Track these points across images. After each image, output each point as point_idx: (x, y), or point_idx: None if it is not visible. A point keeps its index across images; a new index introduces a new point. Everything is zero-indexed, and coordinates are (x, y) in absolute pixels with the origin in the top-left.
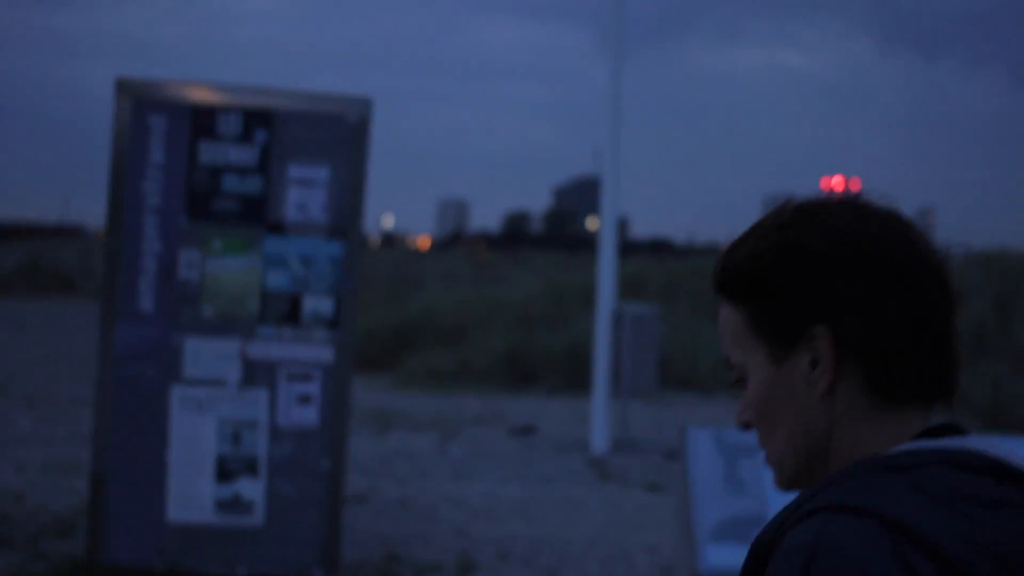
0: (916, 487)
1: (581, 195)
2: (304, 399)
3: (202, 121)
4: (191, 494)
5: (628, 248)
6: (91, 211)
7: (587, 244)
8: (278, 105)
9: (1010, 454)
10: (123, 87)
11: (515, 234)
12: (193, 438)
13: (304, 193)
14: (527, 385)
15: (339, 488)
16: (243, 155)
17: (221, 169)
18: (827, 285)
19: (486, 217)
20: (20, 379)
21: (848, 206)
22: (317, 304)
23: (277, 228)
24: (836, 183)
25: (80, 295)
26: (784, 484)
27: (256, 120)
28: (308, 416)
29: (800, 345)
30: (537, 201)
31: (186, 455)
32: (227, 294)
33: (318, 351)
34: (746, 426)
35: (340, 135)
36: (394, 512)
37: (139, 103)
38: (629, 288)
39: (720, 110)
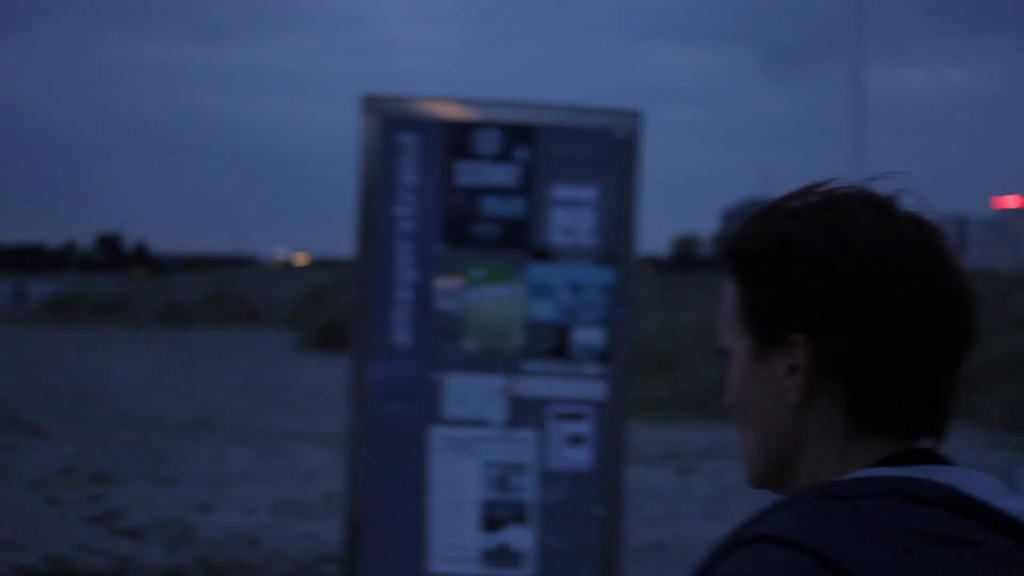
0: (858, 519)
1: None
2: (575, 439)
3: (457, 139)
4: (454, 544)
5: None
6: (262, 241)
7: None
8: (539, 120)
9: (973, 486)
10: (370, 105)
11: (684, 257)
12: (455, 483)
13: (571, 215)
14: None
15: (616, 536)
16: (503, 175)
17: (480, 191)
18: (818, 294)
19: (653, 241)
20: (226, 412)
21: (873, 208)
22: (587, 336)
23: (542, 254)
24: (1010, 202)
25: (265, 324)
26: (751, 483)
27: (516, 137)
28: (580, 458)
29: (780, 349)
30: (705, 224)
31: (448, 501)
32: (489, 326)
33: (590, 387)
34: (730, 407)
35: (607, 151)
36: (653, 557)
37: (388, 121)
38: None
39: (888, 129)
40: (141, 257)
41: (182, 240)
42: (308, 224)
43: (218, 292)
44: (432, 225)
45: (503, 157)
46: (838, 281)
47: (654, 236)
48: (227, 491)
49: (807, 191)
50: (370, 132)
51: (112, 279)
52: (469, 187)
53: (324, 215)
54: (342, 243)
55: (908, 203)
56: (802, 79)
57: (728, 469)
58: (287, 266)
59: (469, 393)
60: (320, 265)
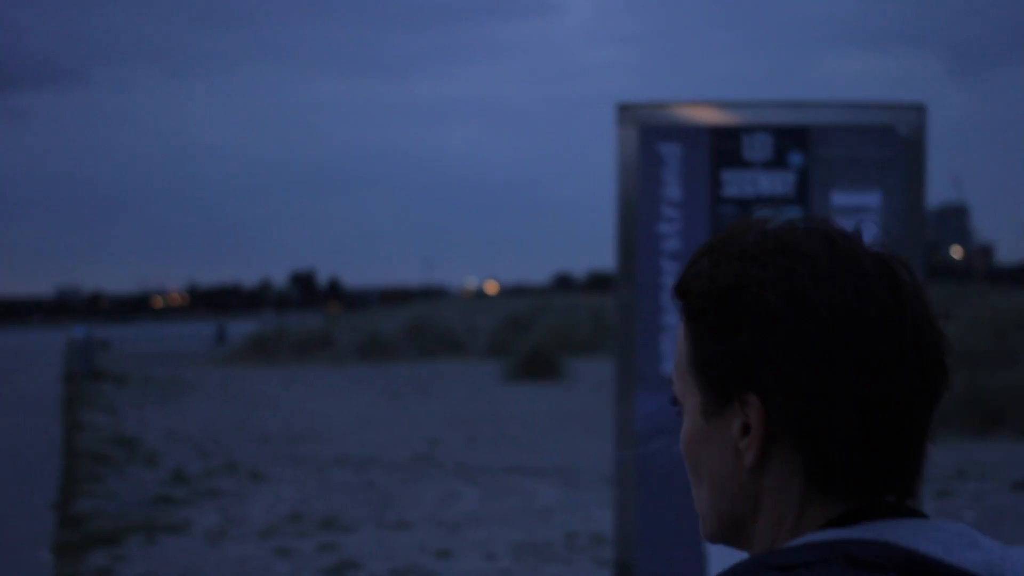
0: None
1: (942, 223)
2: None
3: (724, 146)
4: None
5: (995, 275)
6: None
7: (953, 272)
8: (813, 120)
9: (932, 542)
10: (627, 113)
11: None
12: None
13: (853, 224)
14: (987, 428)
15: None
16: (776, 183)
17: (750, 202)
18: (770, 350)
19: None
20: (444, 448)
21: (831, 250)
22: None
23: None
24: None
25: (467, 354)
26: (707, 537)
27: (789, 140)
28: None
29: (733, 406)
30: None
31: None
32: None
33: None
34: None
35: (890, 152)
36: None
37: (646, 131)
38: None
39: None
40: (335, 293)
41: (373, 274)
42: (496, 252)
43: (417, 324)
44: (700, 242)
45: (775, 163)
46: (790, 336)
47: None
48: (462, 534)
49: (765, 225)
50: (627, 143)
51: (308, 316)
52: (739, 198)
53: (512, 242)
54: (530, 270)
55: (870, 238)
56: (988, 81)
57: (990, 491)
58: (479, 295)
59: None
60: (510, 293)
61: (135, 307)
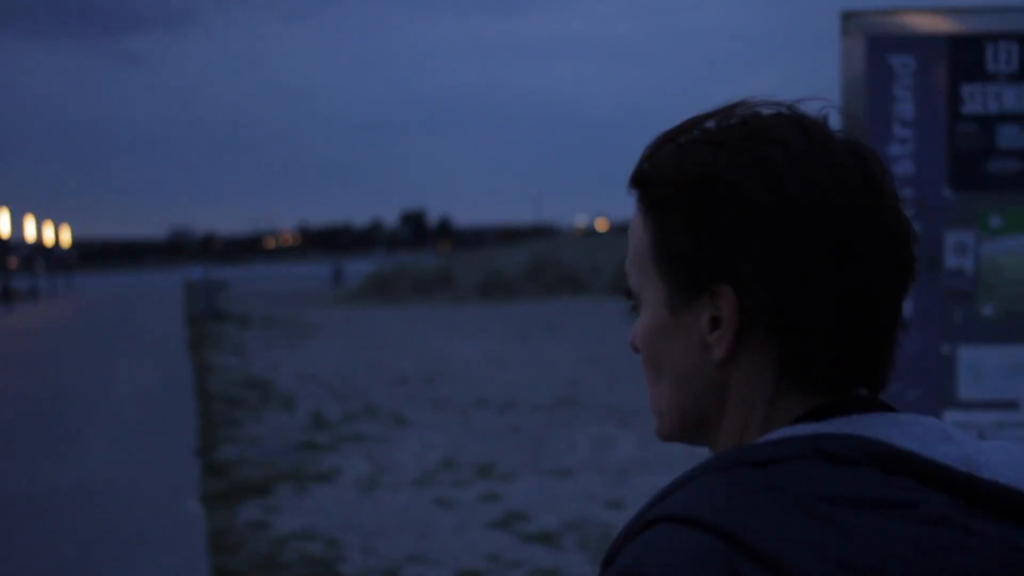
0: (771, 489)
1: None
2: None
3: (963, 57)
4: None
5: None
6: (561, 210)
7: None
8: None
9: (905, 435)
10: (853, 22)
11: None
12: None
13: (817, 110)
14: None
15: None
16: None
17: (994, 120)
18: (747, 240)
19: None
20: (585, 389)
21: (806, 136)
22: None
23: None
24: None
25: (589, 292)
26: (662, 437)
27: None
28: None
29: (702, 299)
30: None
31: None
32: (1012, 286)
33: None
34: (635, 350)
35: None
36: None
37: (874, 42)
38: None
39: None
40: (445, 232)
41: (483, 213)
42: (606, 189)
43: (538, 262)
44: (936, 165)
45: (1022, 75)
46: (769, 225)
47: None
48: (629, 482)
49: (728, 111)
50: (853, 56)
51: (419, 255)
52: (980, 116)
53: (621, 180)
54: None
55: (836, 125)
56: None
57: None
58: (589, 232)
59: (990, 369)
60: (621, 230)
61: (247, 248)
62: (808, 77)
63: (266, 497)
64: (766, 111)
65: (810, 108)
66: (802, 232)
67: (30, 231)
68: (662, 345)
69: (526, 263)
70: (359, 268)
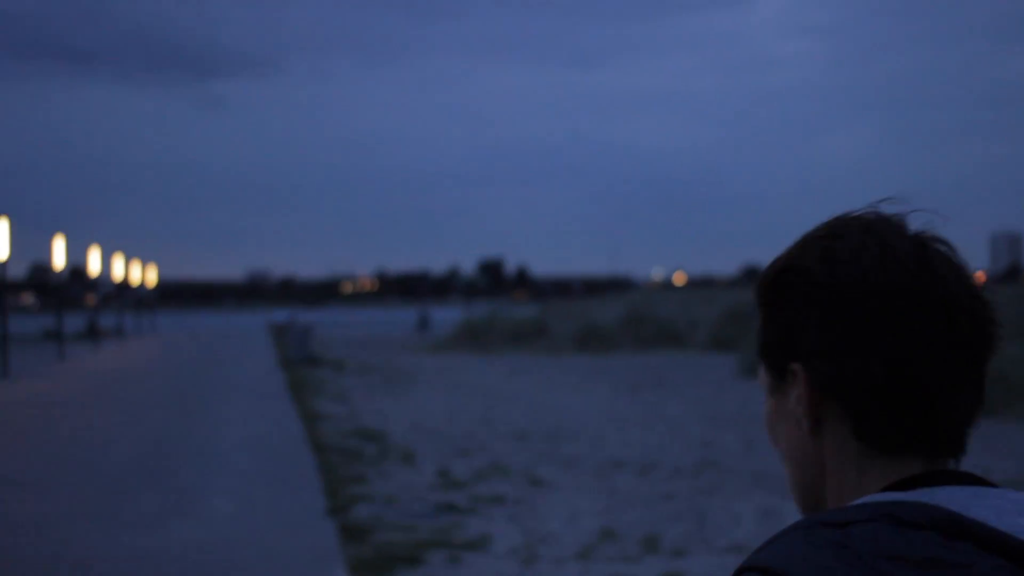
0: (838, 546)
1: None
2: None
3: None
4: None
5: None
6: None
7: None
8: None
9: (980, 507)
10: None
11: None
12: None
13: (901, 214)
14: None
15: None
16: None
17: None
18: (809, 321)
19: None
20: (722, 452)
21: (867, 231)
22: None
23: None
24: None
25: (687, 346)
26: (799, 510)
27: None
28: None
29: (787, 379)
30: None
31: None
32: None
33: None
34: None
35: None
36: None
37: None
38: None
39: None
40: (523, 281)
41: (559, 263)
42: (681, 243)
43: (634, 315)
44: None
45: None
46: (825, 305)
47: None
48: None
49: (829, 222)
50: None
51: (497, 304)
52: None
53: (697, 234)
54: (715, 261)
55: (918, 224)
56: None
57: None
58: (666, 285)
59: None
60: (698, 284)
61: (325, 292)
62: (881, 137)
63: (418, 567)
64: (854, 215)
65: (893, 208)
66: (850, 310)
67: (118, 270)
68: (777, 428)
69: (622, 315)
70: (444, 315)
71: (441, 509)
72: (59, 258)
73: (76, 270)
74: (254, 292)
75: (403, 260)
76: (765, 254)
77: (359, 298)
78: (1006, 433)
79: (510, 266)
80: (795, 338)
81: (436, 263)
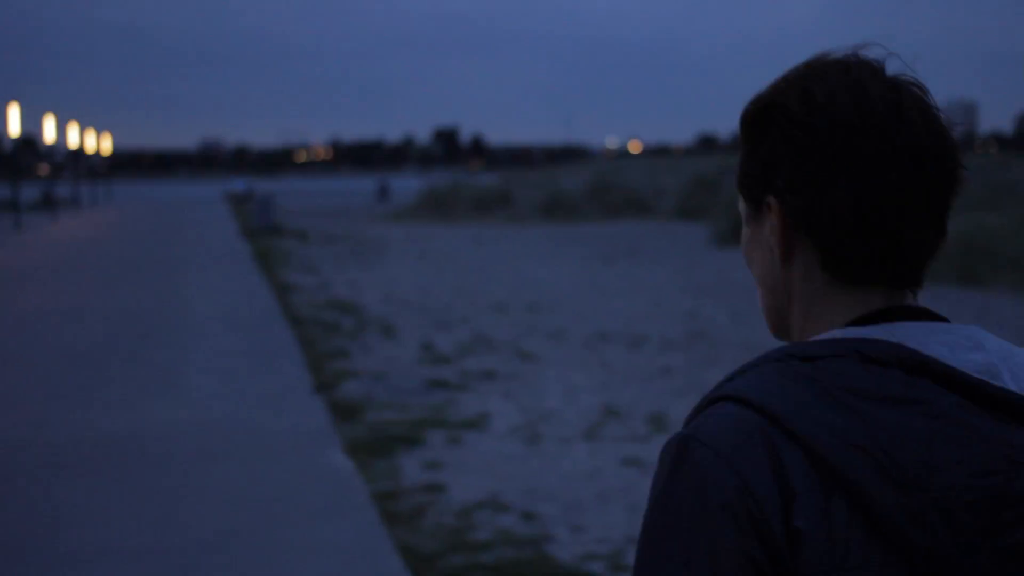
0: (809, 379)
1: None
2: None
3: None
4: None
5: None
6: (591, 131)
7: None
8: None
9: (937, 343)
10: None
11: None
12: None
13: (881, 56)
14: None
15: None
16: None
17: None
18: (785, 156)
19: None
20: (710, 324)
21: (846, 73)
22: None
23: None
24: None
25: (654, 215)
26: (771, 332)
27: None
28: None
29: (763, 210)
30: None
31: None
32: None
33: None
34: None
35: None
36: None
37: None
38: None
39: None
40: (478, 150)
41: (514, 132)
42: (637, 111)
43: (601, 183)
44: None
45: None
46: (800, 142)
47: (998, 114)
48: None
49: (810, 60)
50: None
51: (452, 172)
52: None
53: (652, 102)
54: (671, 130)
55: (894, 68)
56: None
57: None
58: (621, 154)
59: None
60: (653, 152)
61: (279, 161)
62: (836, 4)
63: (418, 448)
64: (835, 56)
65: (874, 53)
66: (822, 148)
67: (73, 138)
68: (752, 255)
69: (586, 184)
70: (402, 184)
71: (432, 385)
72: (13, 126)
73: (28, 139)
74: (208, 161)
75: (357, 129)
76: (721, 123)
77: (313, 167)
78: (995, 305)
79: (465, 135)
80: (771, 172)
81: (390, 132)
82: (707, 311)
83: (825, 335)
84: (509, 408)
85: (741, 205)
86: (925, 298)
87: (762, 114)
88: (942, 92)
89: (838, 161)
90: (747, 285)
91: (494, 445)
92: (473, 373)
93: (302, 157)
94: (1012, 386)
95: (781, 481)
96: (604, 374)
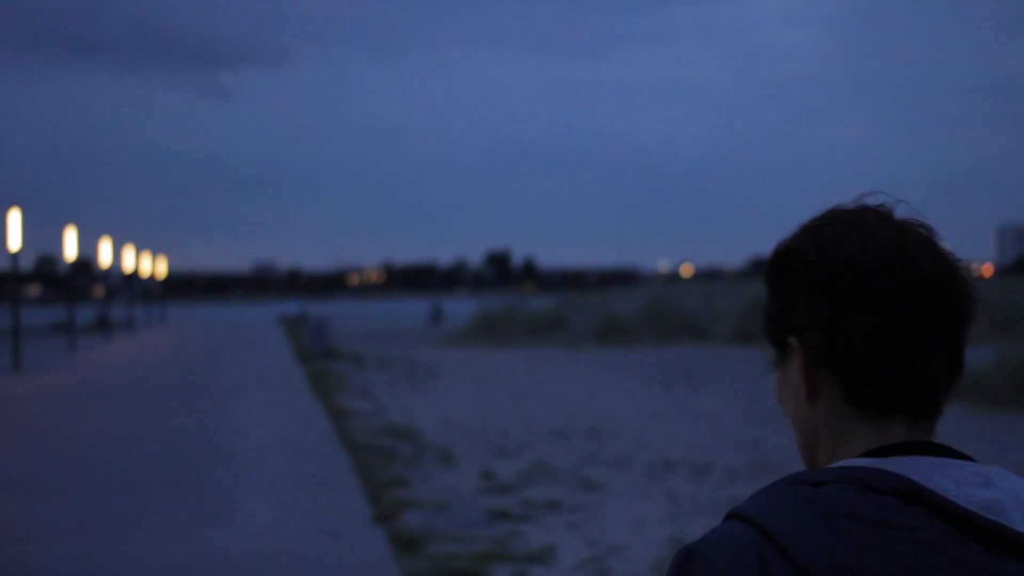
0: (808, 503)
1: None
2: None
3: None
4: None
5: None
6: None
7: None
8: None
9: (939, 476)
10: None
11: None
12: None
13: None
14: None
15: None
16: None
17: None
18: (802, 299)
19: None
20: (773, 450)
21: (854, 219)
22: None
23: None
24: None
25: (709, 340)
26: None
27: None
28: None
29: (788, 353)
30: None
31: None
32: None
33: None
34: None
35: None
36: None
37: None
38: None
39: None
40: (530, 272)
41: (566, 255)
42: (687, 235)
43: (655, 307)
44: None
45: None
46: (815, 284)
47: None
48: None
49: (831, 209)
50: None
51: (504, 295)
52: None
53: (703, 226)
54: (722, 253)
55: (903, 213)
56: None
57: None
58: (672, 277)
59: None
60: (705, 276)
61: (332, 284)
62: (888, 128)
63: None
64: (844, 205)
65: (880, 200)
66: (834, 288)
67: (128, 261)
68: (784, 396)
69: (641, 308)
70: (455, 307)
71: (494, 516)
72: (70, 249)
73: (84, 261)
74: (261, 284)
75: (409, 252)
76: (772, 246)
77: (366, 290)
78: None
79: (517, 258)
80: (790, 314)
81: (442, 255)
82: (770, 439)
83: (837, 464)
84: (575, 541)
85: (771, 352)
86: (988, 423)
87: (780, 261)
88: (994, 216)
89: (850, 299)
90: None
91: None
92: (536, 503)
93: (355, 280)
94: (1020, 525)
95: None
96: (670, 505)
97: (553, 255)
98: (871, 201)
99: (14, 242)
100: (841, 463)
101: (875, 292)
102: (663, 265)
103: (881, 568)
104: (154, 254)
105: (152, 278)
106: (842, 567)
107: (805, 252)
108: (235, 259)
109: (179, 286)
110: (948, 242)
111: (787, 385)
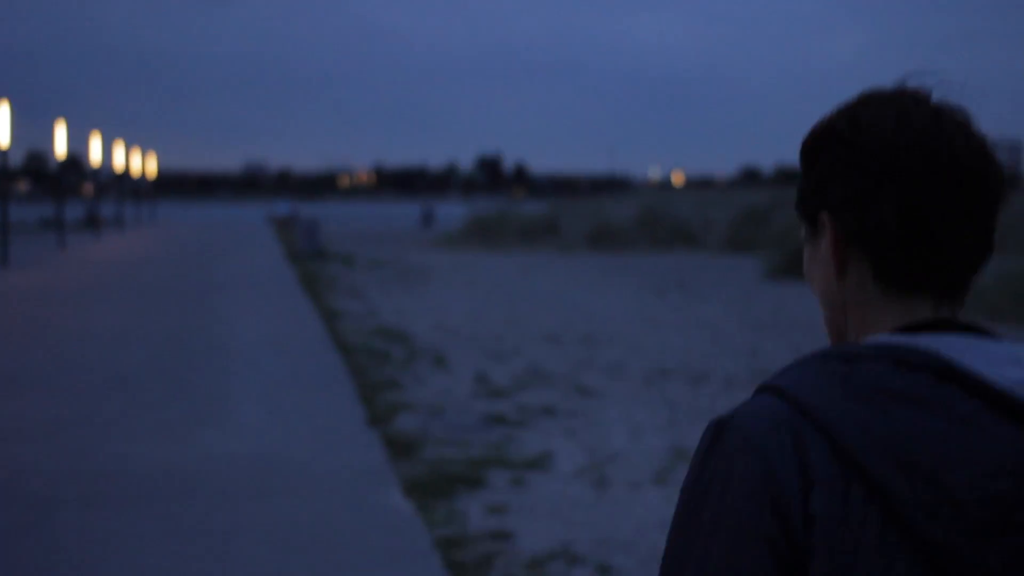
0: (843, 377)
1: None
2: None
3: None
4: None
5: None
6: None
7: None
8: None
9: (971, 354)
10: None
11: None
12: None
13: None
14: None
15: None
16: None
17: None
18: (836, 175)
19: None
20: (770, 358)
21: (892, 101)
22: None
23: None
24: None
25: (703, 247)
26: (831, 343)
27: None
28: None
29: (820, 228)
30: None
31: None
32: None
33: None
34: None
35: None
36: None
37: None
38: None
39: None
40: (521, 178)
41: (556, 161)
42: (680, 143)
43: (649, 214)
44: None
45: None
46: (849, 162)
47: None
48: None
49: (862, 92)
50: None
51: (495, 200)
52: None
53: (696, 134)
54: (714, 161)
55: (937, 97)
56: None
57: None
58: (664, 185)
59: None
60: (696, 184)
61: (322, 185)
62: (879, 41)
63: (480, 490)
64: (885, 88)
65: (922, 82)
66: (868, 163)
67: (119, 158)
68: (813, 273)
69: (634, 215)
70: (446, 211)
71: (490, 420)
72: (60, 145)
73: (74, 158)
74: (251, 184)
75: (400, 155)
76: (763, 155)
77: (356, 192)
78: None
79: (508, 163)
80: (823, 190)
81: (434, 158)
82: (766, 347)
83: (870, 339)
84: (572, 447)
85: (802, 228)
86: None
87: (816, 139)
88: (987, 130)
89: (883, 177)
90: (806, 321)
91: (560, 488)
92: (531, 408)
93: (345, 182)
94: None
95: (803, 468)
96: (668, 412)
97: (544, 161)
98: (910, 83)
99: (2, 137)
100: (874, 339)
101: (908, 171)
102: (654, 173)
103: (916, 444)
104: (144, 151)
105: (143, 177)
106: (877, 442)
107: (841, 130)
108: (225, 158)
109: (170, 185)
110: None
111: (816, 262)
